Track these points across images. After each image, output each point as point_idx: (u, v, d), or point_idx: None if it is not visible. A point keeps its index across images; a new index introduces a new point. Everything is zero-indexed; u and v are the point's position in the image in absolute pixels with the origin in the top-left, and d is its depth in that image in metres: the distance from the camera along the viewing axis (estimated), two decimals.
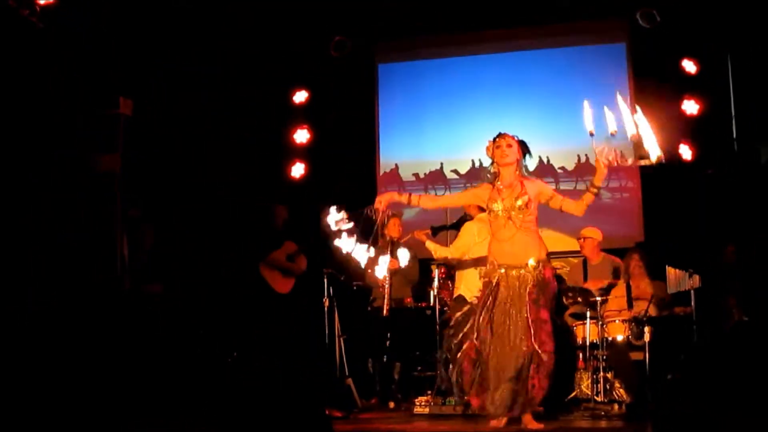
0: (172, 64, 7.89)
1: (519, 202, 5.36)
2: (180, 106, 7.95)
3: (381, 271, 6.04)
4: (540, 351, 5.19)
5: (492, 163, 5.59)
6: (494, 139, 5.62)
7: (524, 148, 5.59)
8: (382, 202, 5.51)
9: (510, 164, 5.49)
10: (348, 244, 5.50)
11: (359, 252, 5.53)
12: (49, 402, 3.85)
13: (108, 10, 6.72)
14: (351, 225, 5.46)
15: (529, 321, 5.20)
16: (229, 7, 8.57)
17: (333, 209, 5.49)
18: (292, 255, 7.92)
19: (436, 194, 9.74)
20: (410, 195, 5.67)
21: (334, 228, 5.48)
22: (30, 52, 5.63)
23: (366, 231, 5.56)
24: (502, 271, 5.38)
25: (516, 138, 5.58)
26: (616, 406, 6.56)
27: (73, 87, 5.92)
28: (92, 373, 4.21)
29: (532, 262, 5.30)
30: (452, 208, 5.67)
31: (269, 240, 8.00)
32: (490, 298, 5.36)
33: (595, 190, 5.27)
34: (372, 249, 5.60)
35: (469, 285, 6.69)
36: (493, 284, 5.39)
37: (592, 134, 5.10)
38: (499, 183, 5.50)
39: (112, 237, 5.87)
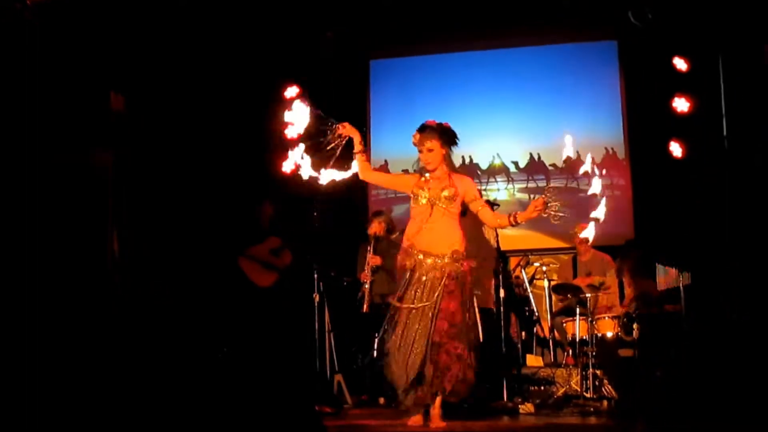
0: (164, 60, 7.85)
1: (445, 193, 5.25)
2: (171, 102, 7.92)
3: None
4: (441, 343, 5.09)
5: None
6: (419, 132, 5.38)
7: (448, 139, 5.36)
8: (346, 127, 5.46)
9: (434, 169, 5.35)
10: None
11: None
12: (44, 398, 3.84)
13: (98, 5, 6.69)
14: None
15: (437, 312, 5.11)
16: (219, 1, 8.53)
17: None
18: (276, 249, 7.89)
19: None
20: (363, 151, 5.51)
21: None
22: (20, 47, 5.60)
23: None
24: (420, 257, 5.25)
25: (437, 132, 5.31)
26: (605, 403, 6.59)
27: (65, 82, 5.90)
28: (84, 369, 4.21)
29: (458, 258, 5.20)
30: (382, 185, 5.52)
31: (252, 235, 7.98)
32: (405, 283, 5.26)
33: (515, 223, 5.22)
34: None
35: None
36: (408, 271, 5.27)
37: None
38: (427, 175, 5.37)
39: (104, 233, 5.85)
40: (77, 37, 6.30)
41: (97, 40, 6.61)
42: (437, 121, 5.37)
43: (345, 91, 9.96)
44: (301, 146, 5.51)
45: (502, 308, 6.71)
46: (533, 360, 7.79)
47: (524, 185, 9.91)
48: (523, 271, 8.02)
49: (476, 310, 5.33)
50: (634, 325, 6.69)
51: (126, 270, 6.49)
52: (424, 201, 5.30)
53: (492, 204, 7.01)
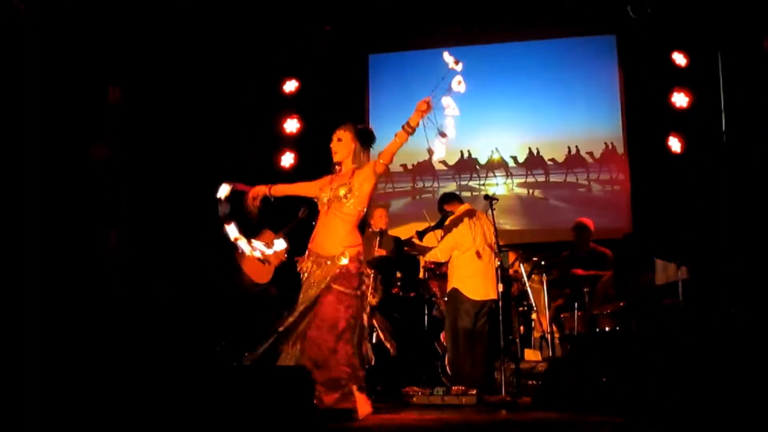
0: (163, 53, 7.85)
1: (341, 191, 5.23)
2: (170, 95, 7.92)
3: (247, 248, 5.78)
4: (313, 337, 5.09)
5: None
6: None
7: (362, 137, 5.39)
8: (255, 198, 5.50)
9: (341, 160, 5.35)
10: (232, 232, 5.50)
11: (242, 244, 5.54)
12: (43, 389, 3.84)
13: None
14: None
15: (313, 308, 5.12)
16: None
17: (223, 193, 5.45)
18: (270, 244, 7.85)
19: (424, 183, 9.81)
20: (270, 186, 5.51)
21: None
22: (19, 42, 5.59)
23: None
24: (312, 259, 5.25)
25: (353, 127, 5.37)
26: (601, 399, 6.58)
27: (63, 76, 5.89)
28: (81, 362, 4.21)
29: (344, 260, 5.13)
30: (302, 194, 5.46)
31: (242, 227, 7.96)
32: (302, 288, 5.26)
33: (410, 130, 5.16)
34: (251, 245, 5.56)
35: (461, 277, 6.74)
36: (303, 275, 5.28)
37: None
38: (335, 173, 5.39)
39: (102, 226, 5.85)
40: (75, 31, 6.29)
41: (94, 34, 6.61)
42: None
43: (344, 86, 9.97)
44: (232, 226, 5.50)
45: (500, 302, 6.73)
46: (531, 354, 7.80)
47: (523, 180, 9.92)
48: (521, 265, 8.02)
49: (366, 311, 5.27)
50: (632, 320, 6.69)
51: (123, 264, 6.49)
52: (325, 201, 5.30)
53: (491, 198, 7.04)
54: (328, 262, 5.16)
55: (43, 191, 5.49)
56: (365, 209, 5.32)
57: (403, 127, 5.16)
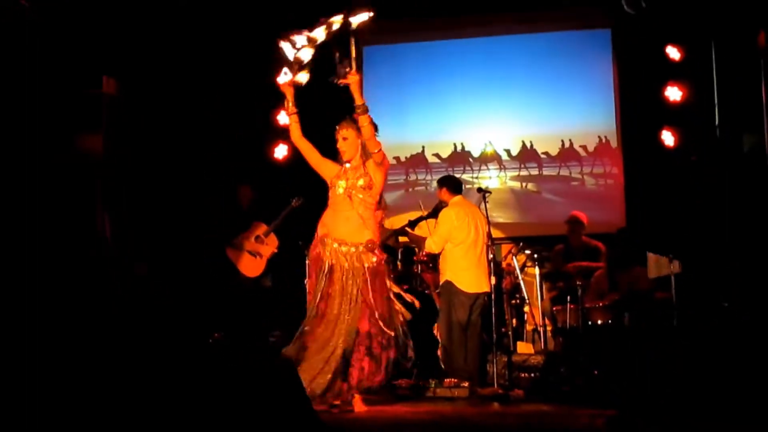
0: (158, 44, 7.82)
1: (360, 182, 5.32)
2: (165, 87, 7.89)
3: None
4: (381, 332, 5.20)
5: None
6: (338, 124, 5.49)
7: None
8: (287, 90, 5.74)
9: (350, 159, 5.40)
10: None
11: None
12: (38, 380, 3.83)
13: None
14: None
15: (366, 302, 5.19)
16: None
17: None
18: (261, 236, 7.83)
19: (417, 175, 9.83)
20: (295, 112, 5.63)
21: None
22: (12, 28, 5.56)
23: None
24: (335, 245, 5.30)
25: (354, 122, 5.40)
26: (594, 390, 6.59)
27: (56, 65, 5.86)
28: (78, 354, 4.20)
29: (369, 245, 5.24)
30: (308, 159, 5.49)
31: (235, 221, 7.95)
32: (323, 275, 5.29)
33: (360, 110, 5.27)
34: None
35: (455, 270, 6.74)
36: (325, 259, 5.30)
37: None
38: (347, 165, 5.43)
39: (94, 217, 5.83)
40: (70, 21, 6.26)
41: (89, 25, 6.58)
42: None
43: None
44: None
45: (493, 295, 6.74)
46: (524, 347, 7.81)
47: (516, 173, 9.91)
48: (514, 258, 8.03)
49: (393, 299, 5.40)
50: (625, 314, 6.70)
51: (118, 256, 6.48)
52: (341, 191, 5.34)
53: (484, 191, 7.06)
54: (353, 249, 5.26)
55: (42, 188, 5.47)
56: (379, 199, 5.41)
57: (355, 114, 5.29)
